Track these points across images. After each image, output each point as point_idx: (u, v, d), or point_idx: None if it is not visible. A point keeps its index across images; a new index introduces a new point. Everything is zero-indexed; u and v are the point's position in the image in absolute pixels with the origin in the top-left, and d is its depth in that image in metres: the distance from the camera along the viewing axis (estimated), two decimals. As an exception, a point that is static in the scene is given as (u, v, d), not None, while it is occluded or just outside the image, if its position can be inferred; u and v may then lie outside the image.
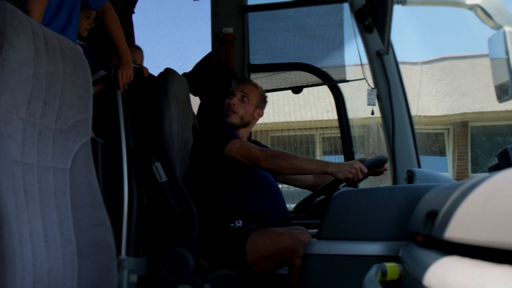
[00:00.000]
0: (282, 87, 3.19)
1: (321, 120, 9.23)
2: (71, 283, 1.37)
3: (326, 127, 8.93)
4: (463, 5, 2.44)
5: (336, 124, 3.14)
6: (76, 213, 1.43)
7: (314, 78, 3.11)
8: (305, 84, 3.14)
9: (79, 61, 1.47)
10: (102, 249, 1.46)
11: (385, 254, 1.47)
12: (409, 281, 1.16)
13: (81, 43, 2.52)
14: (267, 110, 2.61)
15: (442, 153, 10.08)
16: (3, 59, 1.17)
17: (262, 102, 2.54)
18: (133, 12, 3.30)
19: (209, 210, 2.32)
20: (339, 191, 1.70)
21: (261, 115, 2.56)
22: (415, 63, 8.79)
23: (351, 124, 3.16)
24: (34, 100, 1.31)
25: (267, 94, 2.65)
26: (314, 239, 1.63)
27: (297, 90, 3.14)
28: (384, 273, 1.30)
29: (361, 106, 3.16)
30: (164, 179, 2.28)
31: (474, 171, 9.85)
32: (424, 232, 1.13)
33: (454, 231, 0.79)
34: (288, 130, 9.71)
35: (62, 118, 1.42)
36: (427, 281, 0.81)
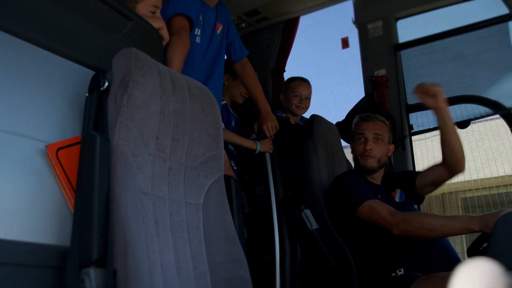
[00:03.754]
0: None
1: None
2: (206, 319, 1.33)
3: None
4: None
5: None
6: (210, 248, 1.42)
7: (482, 109, 2.77)
8: (473, 117, 2.81)
9: (207, 99, 1.53)
10: (238, 285, 1.41)
11: None
12: None
13: (233, 113, 2.64)
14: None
15: None
16: (128, 96, 1.27)
17: (391, 135, 2.37)
18: (284, 71, 3.42)
19: (366, 259, 2.12)
20: (507, 211, 1.40)
21: (392, 150, 2.38)
22: None
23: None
24: (162, 136, 1.37)
25: (430, 135, 2.44)
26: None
27: (464, 124, 2.83)
28: None
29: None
30: (315, 227, 2.19)
31: None
32: None
33: None
34: (481, 189, 8.71)
35: (193, 155, 1.47)
36: None
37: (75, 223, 1.16)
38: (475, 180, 8.62)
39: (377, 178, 2.33)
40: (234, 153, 2.47)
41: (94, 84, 1.30)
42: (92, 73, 1.36)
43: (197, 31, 2.19)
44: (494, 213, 1.80)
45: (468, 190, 8.60)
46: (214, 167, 1.52)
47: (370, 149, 2.29)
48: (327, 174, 2.42)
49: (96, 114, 1.27)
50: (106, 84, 1.28)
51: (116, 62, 1.32)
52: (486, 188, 8.53)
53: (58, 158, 1.21)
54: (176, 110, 1.42)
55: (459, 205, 7.77)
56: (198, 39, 2.19)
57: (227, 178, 1.57)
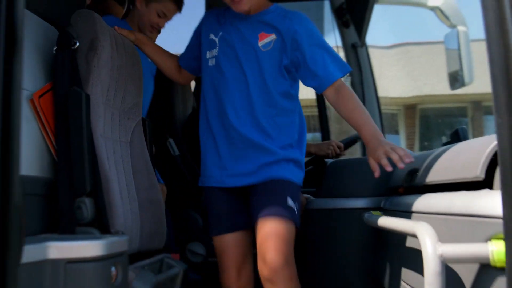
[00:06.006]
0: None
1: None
2: (136, 231, 1.77)
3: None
4: (425, 6, 2.97)
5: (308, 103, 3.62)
6: (136, 177, 1.82)
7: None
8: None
9: (135, 56, 1.85)
10: (156, 205, 1.86)
11: (370, 206, 1.97)
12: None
13: None
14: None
15: (397, 132, 10.88)
16: (98, 58, 1.54)
17: None
18: None
19: None
20: (333, 160, 2.18)
21: None
22: (379, 47, 9.40)
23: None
24: (110, 88, 1.68)
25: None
26: (313, 198, 2.11)
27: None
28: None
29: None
30: (177, 153, 2.68)
31: (422, 149, 10.66)
32: (405, 184, 1.62)
33: (433, 177, 1.27)
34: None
35: (126, 102, 1.80)
36: (415, 208, 1.29)
37: (62, 161, 1.45)
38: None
39: None
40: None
41: (63, 42, 1.52)
42: (42, 22, 1.55)
43: (209, 54, 1.88)
44: (327, 141, 2.66)
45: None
46: (137, 111, 1.88)
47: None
48: (182, 107, 2.88)
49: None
50: (78, 44, 1.52)
51: (80, 24, 1.55)
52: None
53: (40, 104, 1.45)
54: (118, 66, 1.73)
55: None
56: (212, 62, 1.87)
57: (143, 120, 1.95)
